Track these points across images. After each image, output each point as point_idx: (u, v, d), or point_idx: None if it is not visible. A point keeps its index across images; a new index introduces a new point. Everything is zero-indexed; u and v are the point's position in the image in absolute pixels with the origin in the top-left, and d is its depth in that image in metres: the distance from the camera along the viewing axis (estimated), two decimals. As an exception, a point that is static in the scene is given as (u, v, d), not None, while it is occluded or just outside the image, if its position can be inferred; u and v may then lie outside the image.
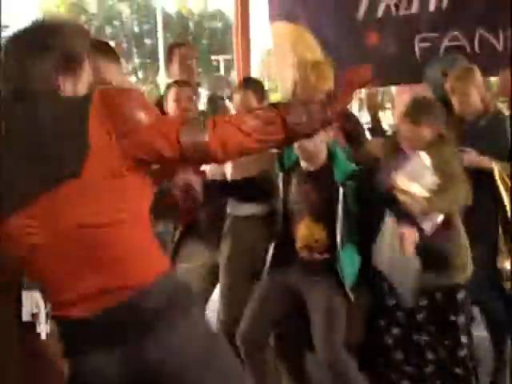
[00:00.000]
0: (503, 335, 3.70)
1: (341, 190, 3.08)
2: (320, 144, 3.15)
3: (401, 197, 2.97)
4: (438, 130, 3.19)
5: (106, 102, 1.57)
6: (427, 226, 3.04)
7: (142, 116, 1.58)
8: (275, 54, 5.35)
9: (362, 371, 3.22)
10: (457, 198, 3.10)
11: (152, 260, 1.66)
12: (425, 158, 3.02)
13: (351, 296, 3.07)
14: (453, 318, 3.19)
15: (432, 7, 4.71)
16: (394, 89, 5.72)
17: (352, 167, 3.20)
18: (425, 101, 3.32)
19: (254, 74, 6.98)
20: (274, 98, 10.10)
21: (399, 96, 5.57)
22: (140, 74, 20.51)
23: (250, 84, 3.77)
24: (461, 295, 3.22)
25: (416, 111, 3.17)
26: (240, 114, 1.83)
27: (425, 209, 2.99)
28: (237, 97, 3.64)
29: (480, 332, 3.75)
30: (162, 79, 19.69)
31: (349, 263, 3.09)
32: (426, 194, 2.95)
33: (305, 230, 3.10)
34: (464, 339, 3.20)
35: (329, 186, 3.10)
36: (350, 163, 3.22)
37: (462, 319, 3.20)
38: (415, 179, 2.95)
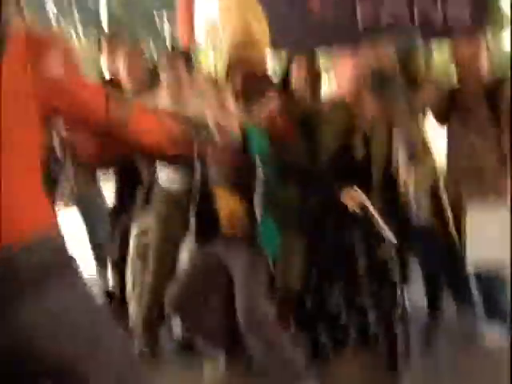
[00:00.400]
0: (438, 291, 3.88)
1: (257, 163, 3.13)
2: (231, 121, 3.18)
3: None
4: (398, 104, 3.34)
5: (31, 45, 1.51)
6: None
7: (69, 70, 1.55)
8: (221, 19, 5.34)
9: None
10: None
11: (37, 212, 1.53)
12: None
13: (272, 267, 3.16)
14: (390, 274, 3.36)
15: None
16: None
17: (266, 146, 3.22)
18: (385, 74, 3.41)
19: (197, 32, 6.89)
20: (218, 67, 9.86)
21: (341, 62, 5.60)
22: (83, 39, 19.98)
23: (180, 56, 3.79)
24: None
25: (378, 85, 3.29)
26: (163, 114, 1.85)
27: None
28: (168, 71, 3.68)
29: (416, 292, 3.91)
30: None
31: (268, 236, 3.16)
32: None
33: (222, 203, 3.15)
34: (400, 299, 3.37)
35: (245, 160, 3.13)
36: (265, 142, 3.24)
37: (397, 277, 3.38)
38: None
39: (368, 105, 3.31)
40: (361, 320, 3.41)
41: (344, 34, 4.81)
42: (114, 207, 4.21)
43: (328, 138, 3.38)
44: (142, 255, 3.72)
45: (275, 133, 3.39)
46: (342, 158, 3.35)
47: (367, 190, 3.30)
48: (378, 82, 3.30)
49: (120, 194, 4.11)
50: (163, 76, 3.69)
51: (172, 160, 3.44)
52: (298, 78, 3.81)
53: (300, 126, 3.48)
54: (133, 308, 3.81)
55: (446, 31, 4.58)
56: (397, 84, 3.33)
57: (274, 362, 3.12)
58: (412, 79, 3.74)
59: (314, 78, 3.85)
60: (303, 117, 3.55)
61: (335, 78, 4.03)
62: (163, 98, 3.73)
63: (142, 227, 3.75)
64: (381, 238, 3.29)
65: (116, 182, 4.12)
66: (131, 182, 3.88)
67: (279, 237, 3.22)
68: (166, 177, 3.65)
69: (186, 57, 3.79)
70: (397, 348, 3.39)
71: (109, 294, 4.59)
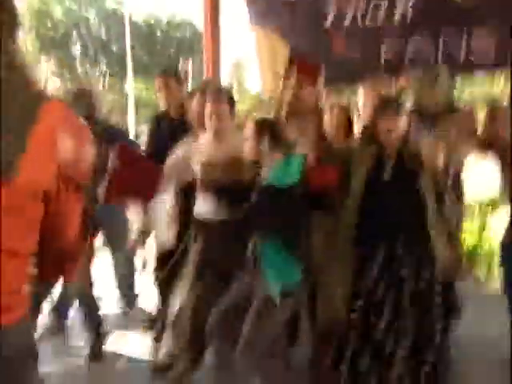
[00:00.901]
0: None
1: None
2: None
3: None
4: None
5: (61, 119, 1.46)
6: None
7: (88, 154, 1.50)
8: (258, 56, 5.49)
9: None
10: None
11: (23, 301, 1.48)
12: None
13: (275, 298, 3.11)
14: (434, 302, 3.43)
15: (397, 17, 4.89)
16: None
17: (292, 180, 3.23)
18: (391, 98, 3.63)
19: (224, 82, 7.07)
20: (241, 108, 10.12)
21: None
22: (106, 82, 20.41)
23: (222, 94, 3.87)
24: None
25: (384, 109, 3.45)
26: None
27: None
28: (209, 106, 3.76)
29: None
30: (130, 88, 19.66)
31: (272, 260, 3.16)
32: None
33: None
34: (438, 325, 3.46)
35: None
36: (295, 176, 3.23)
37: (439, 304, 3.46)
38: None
39: (382, 130, 3.44)
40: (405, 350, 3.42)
41: (366, 71, 4.91)
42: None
43: (360, 168, 3.50)
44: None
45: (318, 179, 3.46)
46: (372, 181, 3.47)
47: (395, 209, 3.40)
48: (384, 106, 3.46)
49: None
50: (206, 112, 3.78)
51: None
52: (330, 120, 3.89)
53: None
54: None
55: (469, 68, 4.67)
56: (401, 106, 3.48)
57: None
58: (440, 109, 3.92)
59: (346, 119, 3.93)
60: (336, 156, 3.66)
61: (361, 112, 4.13)
62: (206, 135, 3.87)
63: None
64: (429, 264, 3.38)
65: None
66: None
67: (287, 260, 3.16)
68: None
69: (227, 92, 3.90)
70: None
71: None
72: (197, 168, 3.78)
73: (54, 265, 1.56)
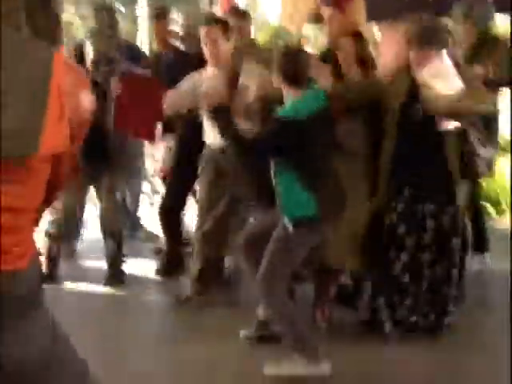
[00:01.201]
0: None
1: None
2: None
3: (426, 92, 3.25)
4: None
5: (68, 69, 1.44)
6: None
7: (88, 101, 1.52)
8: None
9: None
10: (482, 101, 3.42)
11: (32, 246, 1.57)
12: (446, 59, 3.30)
13: (289, 227, 3.08)
14: (454, 240, 3.46)
15: None
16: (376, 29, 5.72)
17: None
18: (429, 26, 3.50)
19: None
20: (261, 36, 9.91)
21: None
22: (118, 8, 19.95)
23: (215, 20, 4.00)
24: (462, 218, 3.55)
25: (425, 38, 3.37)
26: None
27: (452, 107, 3.25)
28: (202, 32, 3.87)
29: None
30: (142, 11, 19.18)
31: (285, 191, 3.15)
32: (452, 92, 3.21)
33: None
34: (457, 260, 3.49)
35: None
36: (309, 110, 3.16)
37: (459, 242, 3.50)
38: (440, 77, 3.25)
39: (417, 63, 3.37)
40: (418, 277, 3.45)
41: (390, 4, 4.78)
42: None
43: (392, 104, 3.45)
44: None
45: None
46: (408, 112, 3.42)
47: (425, 146, 3.40)
48: (421, 37, 3.38)
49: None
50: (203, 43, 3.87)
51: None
52: (345, 56, 3.73)
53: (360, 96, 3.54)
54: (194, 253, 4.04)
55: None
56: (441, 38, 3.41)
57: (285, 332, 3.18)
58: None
59: (363, 55, 3.78)
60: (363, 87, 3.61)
61: (383, 49, 3.99)
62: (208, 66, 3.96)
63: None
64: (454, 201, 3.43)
65: None
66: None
67: (300, 191, 3.10)
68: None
69: (223, 24, 3.93)
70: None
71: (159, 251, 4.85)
72: (202, 98, 3.79)
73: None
